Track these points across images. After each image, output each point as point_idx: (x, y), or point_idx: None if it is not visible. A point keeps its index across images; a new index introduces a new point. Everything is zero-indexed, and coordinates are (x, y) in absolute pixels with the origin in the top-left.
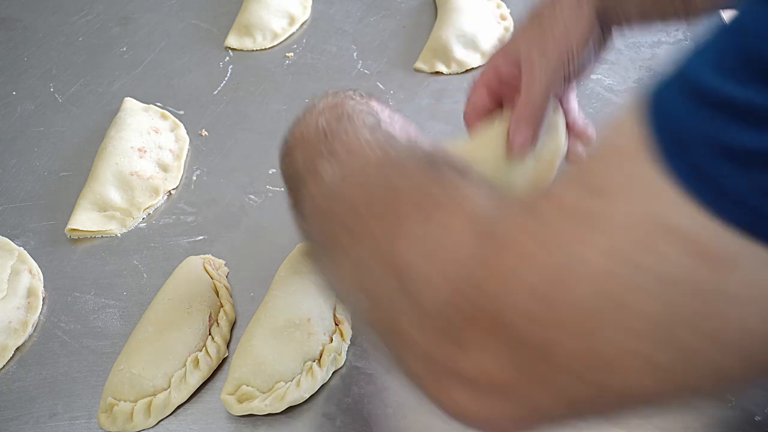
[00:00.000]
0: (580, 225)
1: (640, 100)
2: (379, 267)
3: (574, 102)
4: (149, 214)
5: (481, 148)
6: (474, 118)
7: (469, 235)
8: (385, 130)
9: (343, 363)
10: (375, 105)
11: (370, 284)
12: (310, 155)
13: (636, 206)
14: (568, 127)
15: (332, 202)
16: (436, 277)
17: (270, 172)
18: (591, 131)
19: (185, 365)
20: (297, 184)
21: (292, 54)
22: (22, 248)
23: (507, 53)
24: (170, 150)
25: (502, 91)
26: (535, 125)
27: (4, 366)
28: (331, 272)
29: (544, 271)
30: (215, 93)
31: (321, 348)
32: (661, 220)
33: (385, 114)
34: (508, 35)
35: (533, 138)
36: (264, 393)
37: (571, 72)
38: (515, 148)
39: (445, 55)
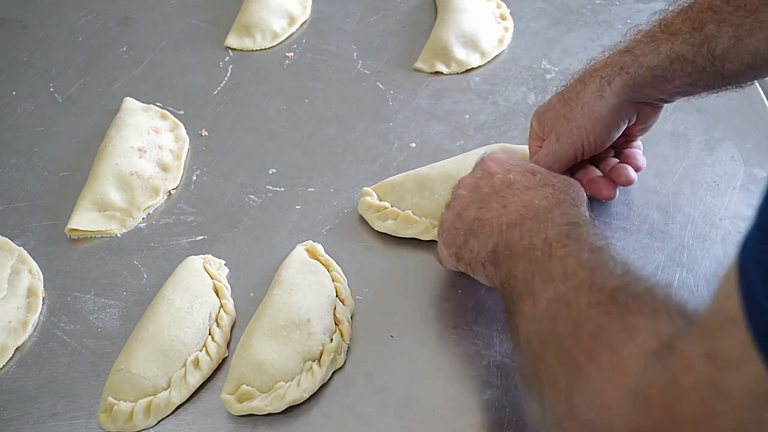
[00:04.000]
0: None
1: (739, 270)
2: (559, 414)
3: (636, 143)
4: (149, 214)
5: None
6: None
7: (625, 397)
8: (608, 253)
9: (342, 363)
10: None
11: (561, 420)
12: (530, 269)
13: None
14: (622, 156)
15: (537, 328)
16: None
17: (270, 171)
18: (642, 162)
19: (185, 365)
20: (511, 293)
21: (292, 54)
22: (22, 248)
23: (539, 121)
24: (170, 150)
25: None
26: None
27: (4, 366)
28: (528, 402)
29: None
30: (215, 93)
31: (321, 348)
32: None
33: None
34: (508, 35)
35: None
36: (264, 393)
37: (592, 144)
38: None
39: (445, 55)
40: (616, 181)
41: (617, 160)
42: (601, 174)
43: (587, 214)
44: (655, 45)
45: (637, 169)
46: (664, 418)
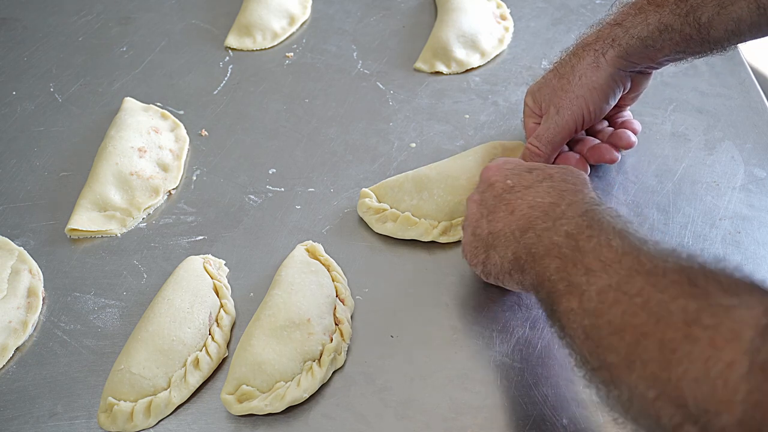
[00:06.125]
0: None
1: None
2: (654, 393)
3: (626, 113)
4: (149, 214)
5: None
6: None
7: (746, 367)
8: (634, 234)
9: (342, 363)
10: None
11: (647, 409)
12: (563, 267)
13: None
14: (617, 125)
15: (595, 321)
16: (720, 406)
17: (270, 171)
18: (637, 126)
19: (185, 365)
20: (549, 294)
21: (292, 54)
22: (22, 248)
23: (535, 98)
24: (170, 150)
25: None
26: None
27: (4, 366)
28: (605, 392)
29: None
30: (215, 93)
31: (321, 348)
32: None
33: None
34: (508, 35)
35: None
36: (264, 393)
37: (591, 114)
38: None
39: (445, 55)
40: (617, 144)
41: (612, 129)
42: (599, 141)
43: (593, 194)
44: (644, 17)
45: (634, 132)
46: None
